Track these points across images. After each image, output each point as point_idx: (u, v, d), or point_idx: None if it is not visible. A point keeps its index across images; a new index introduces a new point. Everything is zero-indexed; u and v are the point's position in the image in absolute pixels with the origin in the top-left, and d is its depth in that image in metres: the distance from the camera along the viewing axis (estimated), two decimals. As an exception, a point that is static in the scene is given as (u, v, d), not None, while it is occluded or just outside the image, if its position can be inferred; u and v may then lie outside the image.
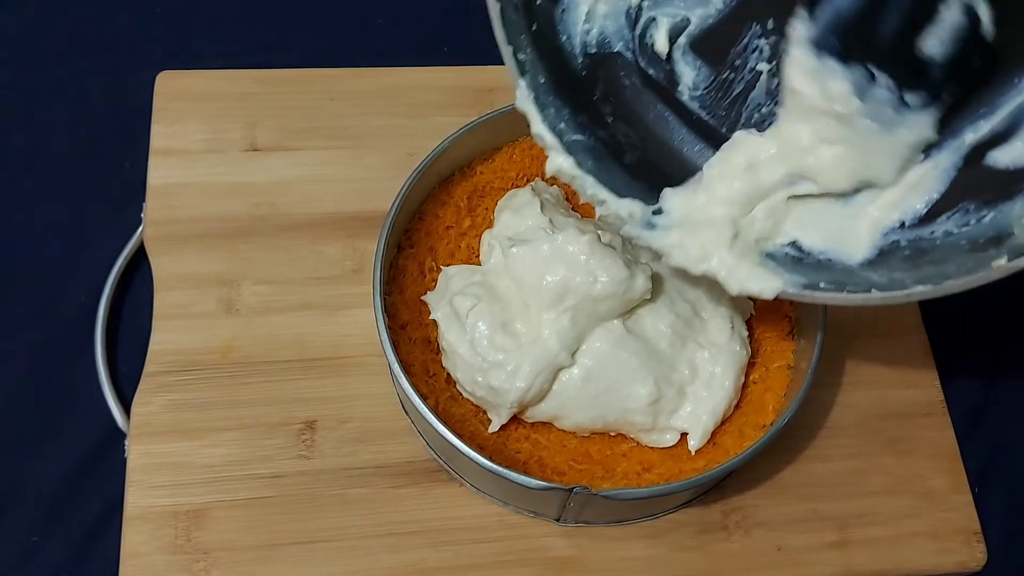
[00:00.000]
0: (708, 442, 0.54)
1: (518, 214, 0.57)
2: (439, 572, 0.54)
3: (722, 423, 0.55)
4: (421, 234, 0.59)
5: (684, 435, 0.54)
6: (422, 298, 0.56)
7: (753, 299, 0.57)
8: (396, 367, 0.51)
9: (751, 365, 0.57)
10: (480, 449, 0.50)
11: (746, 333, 0.57)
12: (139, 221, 0.63)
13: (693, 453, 0.54)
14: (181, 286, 0.60)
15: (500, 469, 0.49)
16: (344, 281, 0.61)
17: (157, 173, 0.63)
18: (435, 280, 0.57)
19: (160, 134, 0.65)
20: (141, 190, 0.63)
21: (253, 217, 0.63)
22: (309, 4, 0.75)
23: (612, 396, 0.53)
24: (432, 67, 0.69)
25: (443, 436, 0.49)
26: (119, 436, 0.57)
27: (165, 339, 0.58)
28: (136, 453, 0.56)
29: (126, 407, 0.58)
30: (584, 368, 0.53)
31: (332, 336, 0.60)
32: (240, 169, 0.64)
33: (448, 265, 0.57)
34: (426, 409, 0.50)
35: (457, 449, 0.49)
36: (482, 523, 0.56)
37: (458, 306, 0.53)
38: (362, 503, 0.55)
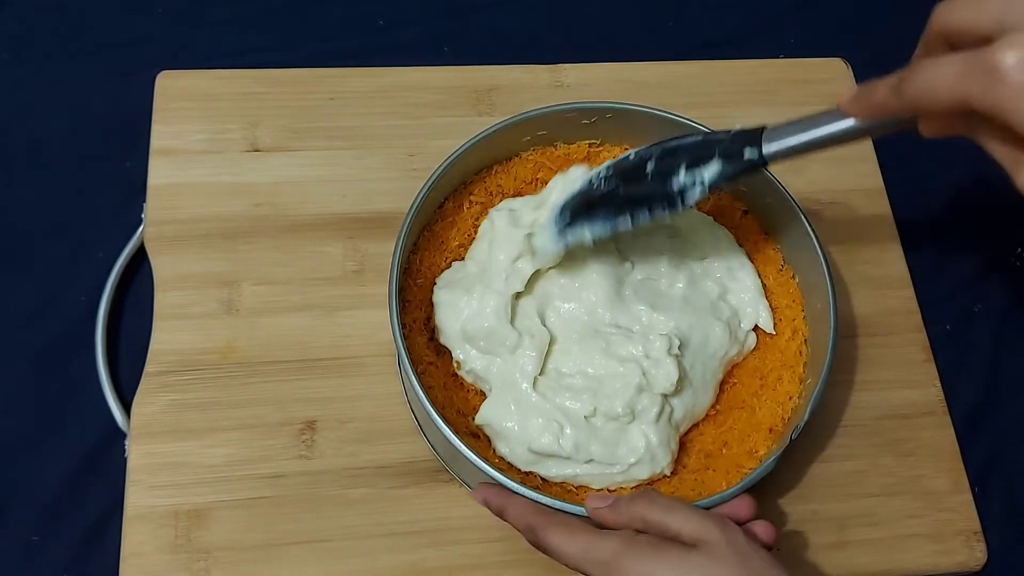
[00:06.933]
0: (761, 383, 0.58)
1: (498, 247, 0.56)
2: (440, 572, 0.54)
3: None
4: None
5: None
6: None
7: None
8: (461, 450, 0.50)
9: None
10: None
11: (731, 235, 0.61)
12: (139, 221, 0.63)
13: (775, 333, 0.59)
14: (181, 286, 0.60)
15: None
16: (344, 282, 0.61)
17: (157, 173, 0.63)
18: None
19: (160, 134, 0.65)
20: (141, 190, 0.63)
21: (253, 217, 0.63)
22: (309, 4, 0.75)
23: (702, 357, 0.56)
24: (432, 67, 0.69)
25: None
26: (119, 436, 0.57)
27: (165, 339, 0.59)
28: (136, 453, 0.56)
29: (126, 407, 0.58)
30: (677, 358, 0.55)
31: (332, 336, 0.60)
32: (241, 169, 0.64)
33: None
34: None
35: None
36: (482, 523, 0.55)
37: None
38: (363, 503, 0.55)
